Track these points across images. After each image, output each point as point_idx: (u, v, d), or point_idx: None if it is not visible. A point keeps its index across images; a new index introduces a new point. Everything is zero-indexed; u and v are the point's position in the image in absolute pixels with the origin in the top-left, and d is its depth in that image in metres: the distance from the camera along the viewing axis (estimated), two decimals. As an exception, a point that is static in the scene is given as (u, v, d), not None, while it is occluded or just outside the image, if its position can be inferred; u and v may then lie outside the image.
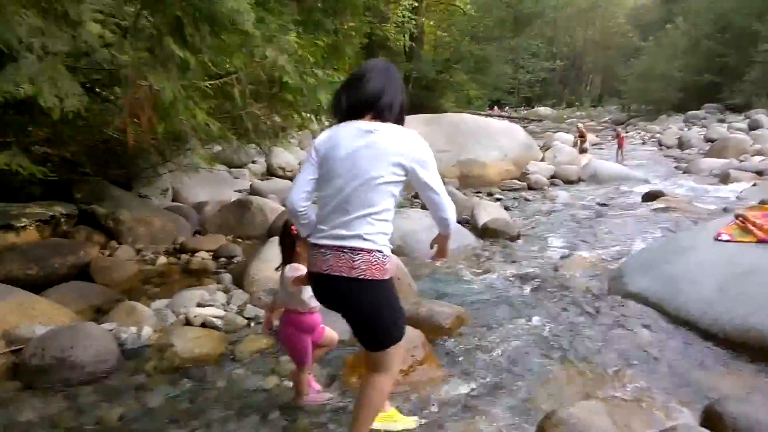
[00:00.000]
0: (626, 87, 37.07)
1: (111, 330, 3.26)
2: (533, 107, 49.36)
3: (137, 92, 3.59)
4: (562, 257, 5.05)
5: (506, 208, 7.61)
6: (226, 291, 4.15)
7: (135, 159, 6.59)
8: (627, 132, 22.57)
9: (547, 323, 3.58)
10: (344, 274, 1.87)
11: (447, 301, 4.01)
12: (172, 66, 3.51)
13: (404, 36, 23.46)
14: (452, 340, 3.34)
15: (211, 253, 5.65)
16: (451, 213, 1.98)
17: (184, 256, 5.59)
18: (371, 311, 1.95)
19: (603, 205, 7.78)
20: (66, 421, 2.53)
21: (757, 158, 11.74)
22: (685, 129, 23.23)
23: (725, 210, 6.73)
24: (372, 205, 1.88)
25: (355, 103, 1.96)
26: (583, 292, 4.10)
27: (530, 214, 7.56)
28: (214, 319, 3.51)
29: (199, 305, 3.74)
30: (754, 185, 8.36)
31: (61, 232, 5.39)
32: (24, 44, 3.28)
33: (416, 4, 23.76)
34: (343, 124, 1.98)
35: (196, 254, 5.60)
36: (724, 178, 9.49)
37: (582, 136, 17.41)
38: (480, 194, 9.23)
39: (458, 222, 6.59)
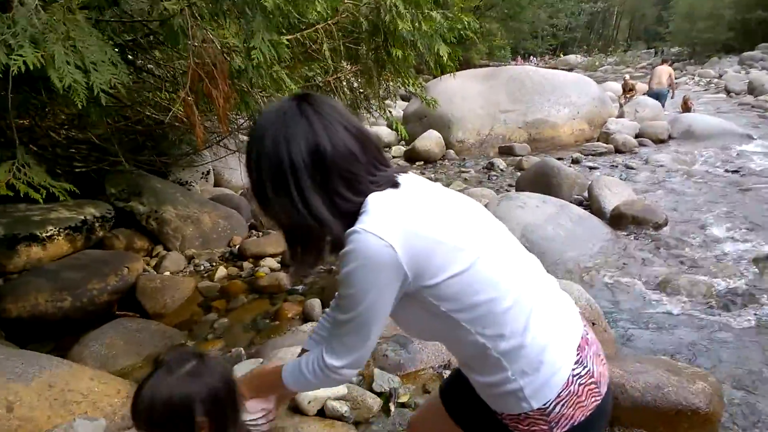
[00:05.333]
0: (670, 29, 34.47)
1: None
2: (558, 56, 46.45)
3: (204, 54, 2.31)
4: (754, 260, 3.78)
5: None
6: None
7: (176, 142, 5.35)
8: (677, 78, 20.55)
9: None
10: None
11: (651, 350, 2.82)
12: (256, 11, 2.21)
13: (429, -20, 21.46)
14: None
15: (278, 259, 4.50)
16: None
17: (246, 265, 4.45)
18: None
19: (734, 172, 6.39)
20: None
21: None
22: (742, 72, 21.26)
23: None
24: None
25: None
26: None
27: (646, 187, 6.22)
28: (336, 404, 2.29)
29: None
30: None
31: (97, 239, 4.25)
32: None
33: (439, -55, 21.66)
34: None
35: (261, 261, 4.46)
36: None
37: (631, 89, 15.69)
38: (563, 161, 7.85)
39: (578, 204, 5.43)
